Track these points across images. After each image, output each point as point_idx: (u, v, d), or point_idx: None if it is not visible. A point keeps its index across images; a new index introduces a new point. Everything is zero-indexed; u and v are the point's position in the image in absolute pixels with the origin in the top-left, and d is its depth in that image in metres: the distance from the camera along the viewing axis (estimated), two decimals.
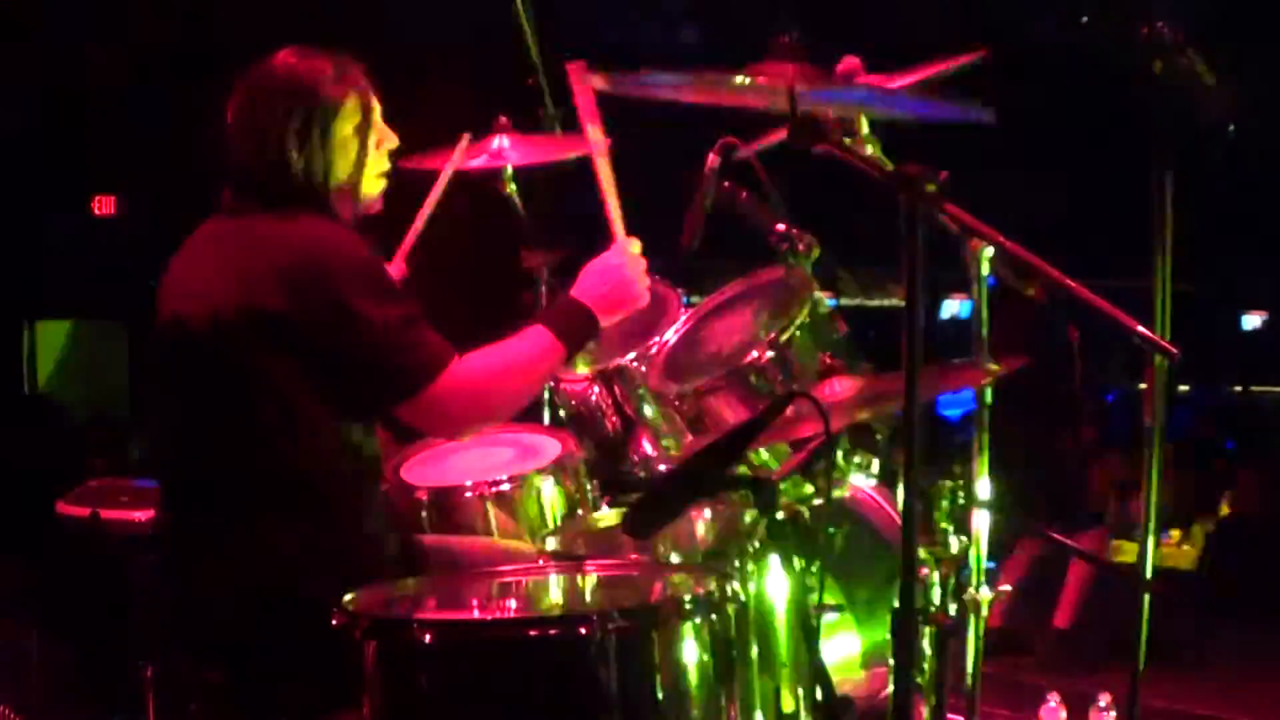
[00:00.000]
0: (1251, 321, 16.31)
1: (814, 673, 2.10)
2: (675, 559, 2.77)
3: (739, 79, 2.51)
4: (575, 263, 2.86)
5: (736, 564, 2.56)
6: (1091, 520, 6.46)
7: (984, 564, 2.75)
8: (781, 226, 3.01)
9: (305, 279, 2.43)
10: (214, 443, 2.50)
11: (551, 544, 2.83)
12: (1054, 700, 4.26)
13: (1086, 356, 6.52)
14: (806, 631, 2.13)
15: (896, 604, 2.04)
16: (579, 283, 2.74)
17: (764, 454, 2.83)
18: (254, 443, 2.45)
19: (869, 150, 2.68)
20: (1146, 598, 3.33)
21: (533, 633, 1.97)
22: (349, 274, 2.46)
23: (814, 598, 2.23)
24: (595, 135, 2.76)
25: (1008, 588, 6.41)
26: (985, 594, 2.71)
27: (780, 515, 2.10)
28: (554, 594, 2.30)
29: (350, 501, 2.53)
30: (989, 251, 2.44)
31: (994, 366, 2.51)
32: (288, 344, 2.43)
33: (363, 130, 2.61)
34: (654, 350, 3.07)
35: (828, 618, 2.71)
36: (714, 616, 2.02)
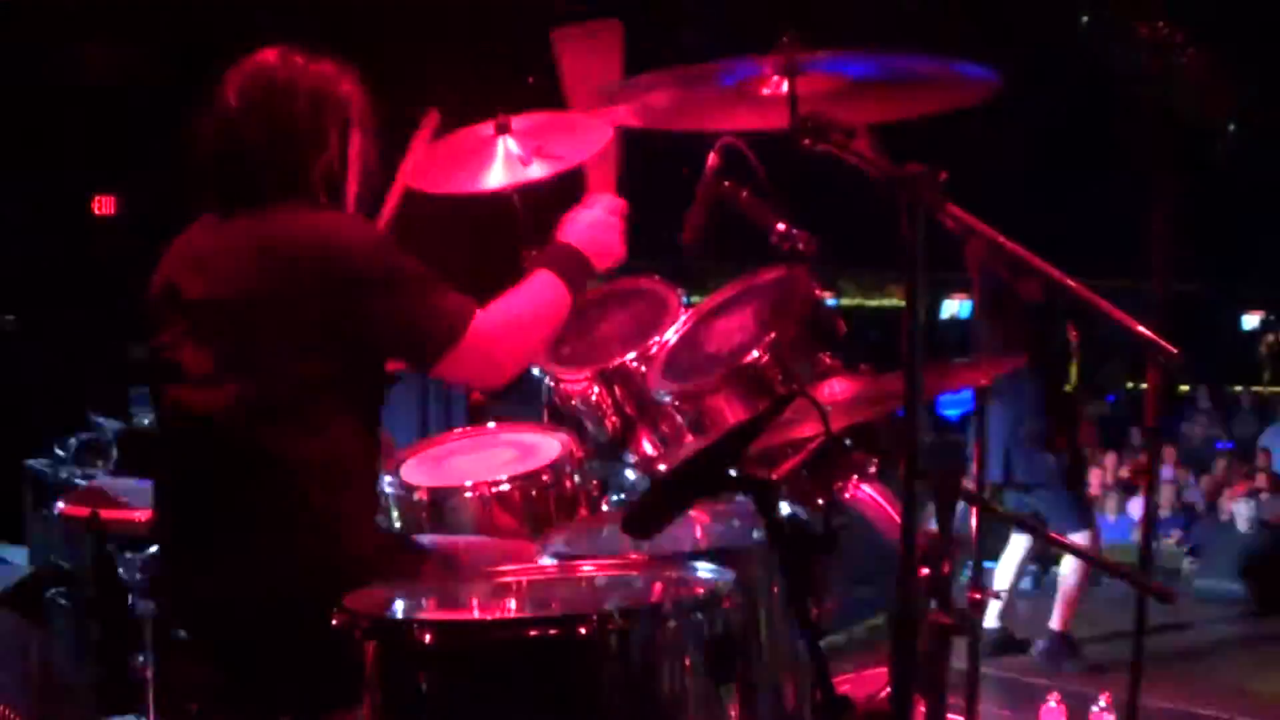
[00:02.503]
0: (1251, 321, 16.33)
1: (814, 673, 2.10)
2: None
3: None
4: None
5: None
6: (1086, 520, 6.47)
7: (983, 564, 2.75)
8: (781, 226, 3.00)
9: (322, 264, 2.45)
10: (212, 444, 2.49)
11: (551, 544, 2.83)
12: (1054, 700, 4.27)
13: (1085, 356, 6.54)
14: (807, 631, 2.13)
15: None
16: (570, 230, 2.84)
17: None
18: (253, 444, 2.45)
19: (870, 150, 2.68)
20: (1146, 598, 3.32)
21: (533, 633, 1.96)
22: (371, 242, 2.51)
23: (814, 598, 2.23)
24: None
25: (1006, 588, 6.44)
26: (984, 594, 2.71)
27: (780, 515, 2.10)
28: (554, 594, 2.30)
29: (349, 502, 2.53)
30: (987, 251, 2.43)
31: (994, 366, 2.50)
32: (305, 333, 2.43)
33: (366, 130, 2.63)
34: (654, 350, 3.07)
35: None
36: (714, 616, 2.02)
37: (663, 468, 3.02)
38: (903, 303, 2.04)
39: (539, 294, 2.71)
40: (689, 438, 2.94)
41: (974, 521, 2.76)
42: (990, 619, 6.24)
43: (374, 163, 2.68)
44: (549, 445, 3.27)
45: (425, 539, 2.90)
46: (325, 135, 2.57)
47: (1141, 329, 2.35)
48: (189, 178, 2.61)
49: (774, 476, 2.15)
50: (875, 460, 2.95)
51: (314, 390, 2.45)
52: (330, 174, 2.58)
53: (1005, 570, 6.41)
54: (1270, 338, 15.39)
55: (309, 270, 2.44)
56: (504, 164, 3.29)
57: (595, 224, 2.86)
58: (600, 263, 2.83)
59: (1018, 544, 6.41)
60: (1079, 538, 6.09)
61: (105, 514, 3.51)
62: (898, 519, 2.18)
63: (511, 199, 3.71)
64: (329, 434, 2.48)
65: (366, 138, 2.64)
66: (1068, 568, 6.32)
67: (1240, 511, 8.97)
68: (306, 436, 2.46)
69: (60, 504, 3.66)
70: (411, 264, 2.52)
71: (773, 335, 2.85)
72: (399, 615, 2.10)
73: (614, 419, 3.11)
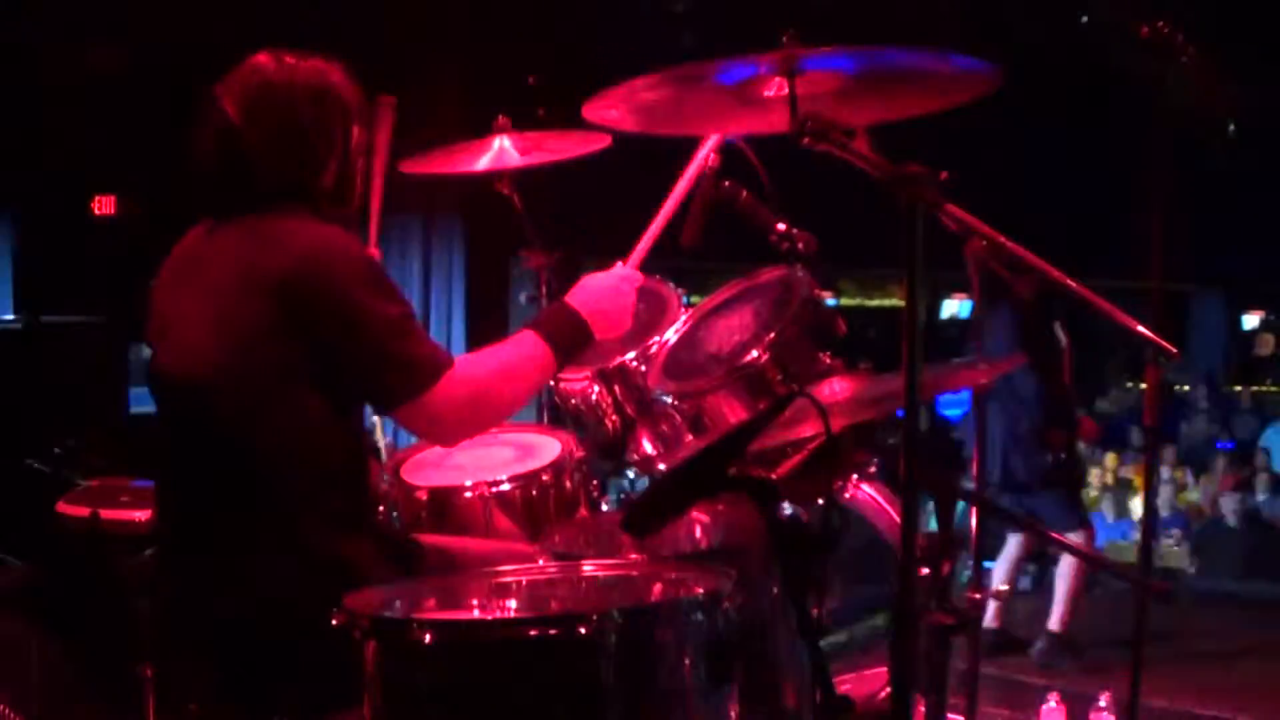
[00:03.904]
0: (1251, 321, 16.33)
1: (814, 673, 2.10)
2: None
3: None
4: (574, 264, 2.88)
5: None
6: (1082, 519, 6.47)
7: (983, 564, 2.75)
8: (781, 226, 3.01)
9: (310, 280, 2.42)
10: (211, 444, 2.49)
11: (552, 544, 2.83)
12: (1054, 700, 4.27)
13: (1078, 355, 6.54)
14: (807, 631, 2.13)
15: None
16: (577, 293, 2.75)
17: None
18: (253, 444, 2.45)
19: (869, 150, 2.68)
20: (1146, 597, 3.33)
21: (533, 633, 1.96)
22: (353, 274, 2.46)
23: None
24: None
25: (1005, 588, 6.44)
26: (984, 594, 2.71)
27: (780, 515, 2.10)
28: (554, 594, 2.30)
29: (348, 501, 2.53)
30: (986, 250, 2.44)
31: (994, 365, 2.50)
32: (292, 347, 2.42)
33: (362, 125, 2.63)
34: (654, 350, 3.07)
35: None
36: (714, 616, 2.02)
37: (663, 468, 3.02)
38: (903, 303, 2.04)
39: (520, 362, 2.61)
40: (689, 438, 2.94)
41: (974, 521, 2.77)
42: (990, 619, 6.24)
43: (368, 157, 2.68)
44: (549, 445, 3.27)
45: (425, 539, 2.90)
46: (332, 135, 2.57)
47: (1141, 329, 2.35)
48: (187, 186, 2.60)
49: (774, 476, 2.15)
50: (875, 460, 2.95)
51: (303, 393, 2.45)
52: (337, 174, 2.58)
53: (1003, 570, 6.41)
54: (1270, 339, 15.39)
55: (291, 290, 2.41)
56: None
57: (606, 293, 2.77)
58: (601, 334, 2.74)
59: (1015, 544, 6.41)
60: (1075, 537, 6.09)
61: (105, 514, 3.51)
62: (898, 519, 2.19)
63: (511, 199, 3.72)
64: (321, 435, 2.48)
65: (362, 132, 2.64)
66: (1064, 568, 6.32)
67: (1228, 506, 8.97)
68: (302, 438, 2.46)
69: (60, 504, 3.66)
70: (392, 306, 2.46)
71: (773, 335, 2.85)
72: (399, 615, 2.10)
73: (614, 419, 3.12)
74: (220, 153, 2.55)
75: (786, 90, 2.46)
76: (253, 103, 2.54)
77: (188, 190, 2.60)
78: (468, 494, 3.13)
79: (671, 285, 3.24)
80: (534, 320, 2.71)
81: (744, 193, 3.04)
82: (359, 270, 2.47)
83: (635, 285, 2.86)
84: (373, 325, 2.43)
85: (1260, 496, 9.86)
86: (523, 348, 2.63)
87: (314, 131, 2.55)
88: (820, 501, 2.78)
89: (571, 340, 2.68)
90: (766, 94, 2.56)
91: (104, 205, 6.70)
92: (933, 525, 2.34)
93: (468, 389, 2.51)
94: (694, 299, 3.24)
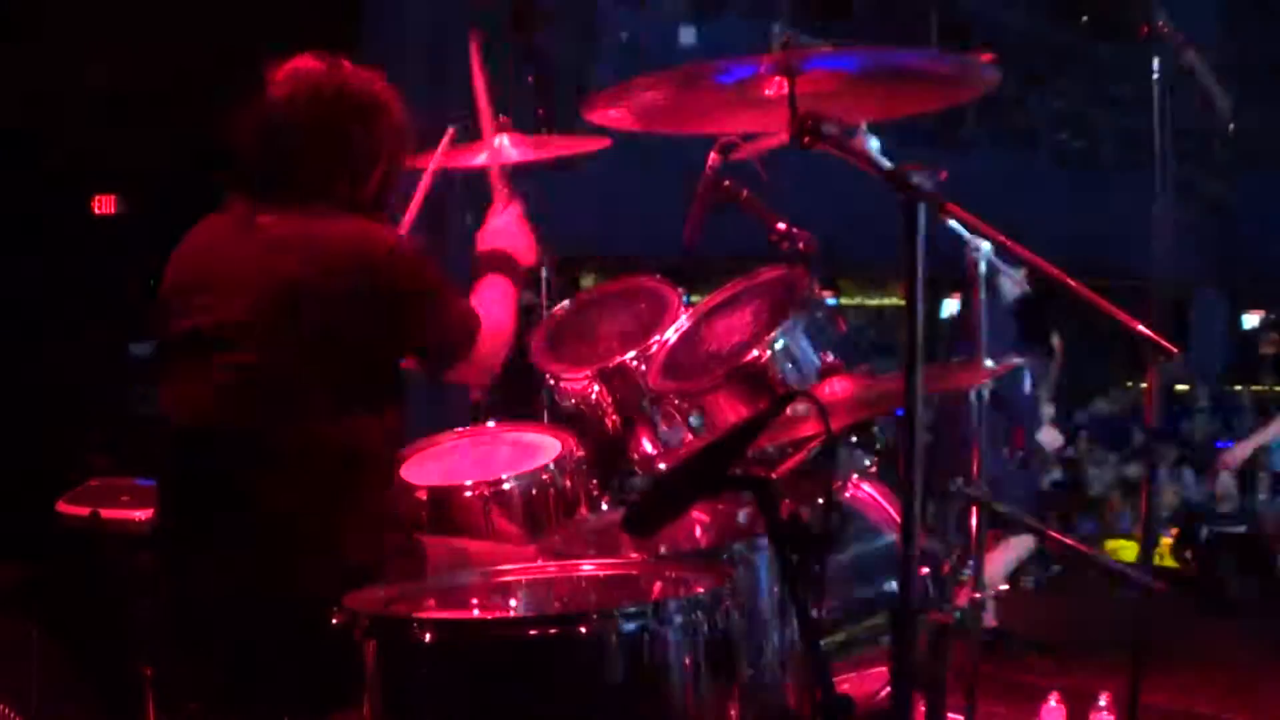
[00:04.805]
0: (1251, 321, 16.33)
1: (814, 673, 2.10)
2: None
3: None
4: (575, 263, 2.89)
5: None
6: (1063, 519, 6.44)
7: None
8: (781, 226, 3.01)
9: (363, 269, 2.50)
10: (218, 442, 2.49)
11: (552, 544, 2.82)
12: (1054, 700, 4.27)
13: (1078, 355, 6.53)
14: (807, 631, 2.13)
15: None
16: (492, 238, 3.07)
17: None
18: (258, 443, 2.46)
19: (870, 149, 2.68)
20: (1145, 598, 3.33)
21: (533, 632, 1.97)
22: (402, 261, 2.56)
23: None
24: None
25: (1005, 587, 6.42)
26: (985, 594, 2.71)
27: (781, 514, 2.10)
28: (554, 594, 2.30)
29: (351, 500, 2.53)
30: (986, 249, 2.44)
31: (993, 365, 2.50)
32: (335, 336, 2.45)
33: (407, 148, 2.76)
34: (654, 350, 3.07)
35: None
36: (714, 616, 2.02)
37: (663, 467, 3.02)
38: (903, 302, 2.04)
39: (505, 297, 2.93)
40: (689, 437, 2.94)
41: (974, 521, 2.77)
42: (989, 618, 6.23)
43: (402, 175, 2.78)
44: (549, 445, 3.27)
45: (425, 539, 2.90)
46: (376, 145, 2.65)
47: (1141, 328, 2.35)
48: (222, 170, 2.63)
49: (774, 476, 2.15)
50: (875, 460, 2.95)
51: (312, 394, 2.46)
52: (380, 183, 2.66)
53: (997, 569, 6.39)
54: (1275, 335, 15.40)
55: (348, 273, 2.49)
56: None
57: (511, 231, 3.10)
58: (524, 262, 3.07)
59: (1002, 544, 6.37)
60: (1024, 539, 6.06)
61: (105, 513, 3.51)
62: (898, 518, 2.18)
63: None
64: (344, 432, 2.49)
65: (405, 147, 2.74)
66: (993, 566, 6.22)
67: (1228, 506, 8.97)
68: (308, 437, 2.46)
69: (60, 503, 3.66)
70: (438, 274, 2.63)
71: (773, 335, 2.85)
72: (399, 615, 2.10)
73: (614, 418, 3.12)
74: (262, 141, 2.59)
75: (786, 89, 2.46)
76: (301, 99, 2.60)
77: (223, 172, 2.63)
78: (468, 494, 3.12)
79: (672, 284, 3.24)
80: (482, 266, 2.99)
81: (744, 192, 3.04)
82: (411, 249, 2.61)
83: (518, 215, 3.16)
84: (432, 293, 2.61)
85: (1261, 496, 9.84)
86: (502, 288, 2.94)
87: (358, 137, 2.62)
88: (820, 501, 2.78)
89: (518, 275, 3.01)
90: (767, 93, 2.56)
91: (104, 205, 6.69)
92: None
93: (493, 333, 2.77)
94: (694, 298, 3.24)
